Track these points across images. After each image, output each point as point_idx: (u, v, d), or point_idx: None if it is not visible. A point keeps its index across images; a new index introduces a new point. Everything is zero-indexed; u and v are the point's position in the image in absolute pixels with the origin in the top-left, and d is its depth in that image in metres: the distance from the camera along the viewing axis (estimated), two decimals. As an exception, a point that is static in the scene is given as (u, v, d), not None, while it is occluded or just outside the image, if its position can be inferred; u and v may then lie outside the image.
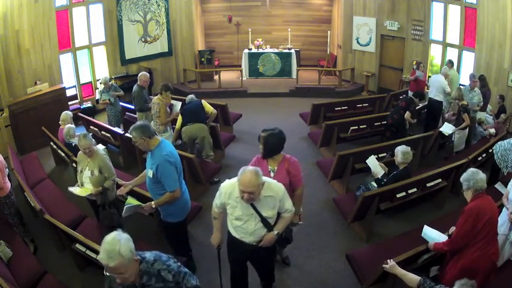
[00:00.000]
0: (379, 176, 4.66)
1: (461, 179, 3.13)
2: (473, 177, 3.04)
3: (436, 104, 7.20)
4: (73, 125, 5.82)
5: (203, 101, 6.04)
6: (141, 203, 3.58)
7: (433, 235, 3.46)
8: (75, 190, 4.18)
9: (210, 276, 3.99)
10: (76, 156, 5.36)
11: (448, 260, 3.31)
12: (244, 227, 2.95)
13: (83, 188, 4.18)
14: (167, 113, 5.91)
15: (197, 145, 6.10)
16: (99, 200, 4.18)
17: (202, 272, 4.09)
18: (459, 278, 2.78)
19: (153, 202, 3.57)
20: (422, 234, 3.56)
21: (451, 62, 7.81)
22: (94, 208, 4.46)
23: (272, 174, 3.40)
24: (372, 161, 4.84)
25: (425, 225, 3.65)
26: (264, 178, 2.81)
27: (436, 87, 7.14)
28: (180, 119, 5.88)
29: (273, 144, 3.35)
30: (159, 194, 3.56)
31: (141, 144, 3.45)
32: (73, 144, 5.62)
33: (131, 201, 3.58)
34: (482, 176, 3.05)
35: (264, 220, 2.91)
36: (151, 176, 3.50)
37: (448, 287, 2.59)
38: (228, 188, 2.92)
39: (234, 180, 2.84)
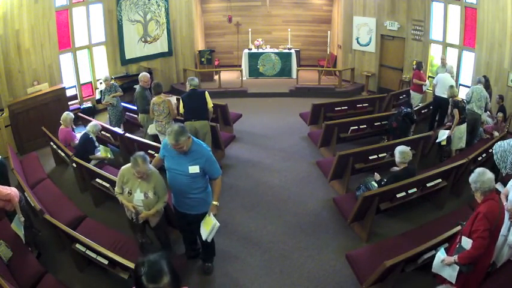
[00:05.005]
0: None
1: (470, 180, 3.08)
2: (479, 178, 2.97)
3: (444, 101, 7.19)
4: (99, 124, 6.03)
5: (207, 95, 5.92)
6: (212, 218, 3.62)
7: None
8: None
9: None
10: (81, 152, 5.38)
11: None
12: None
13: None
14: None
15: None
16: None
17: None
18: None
19: (214, 201, 3.67)
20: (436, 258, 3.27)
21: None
22: (138, 228, 4.12)
23: None
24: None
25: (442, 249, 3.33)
26: None
27: (444, 85, 7.13)
28: (181, 106, 5.95)
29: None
30: (196, 187, 3.61)
31: (187, 144, 3.49)
32: (90, 136, 5.69)
33: (208, 224, 3.63)
34: (489, 176, 2.99)
35: None
36: (198, 170, 3.54)
37: None
38: None
39: None
